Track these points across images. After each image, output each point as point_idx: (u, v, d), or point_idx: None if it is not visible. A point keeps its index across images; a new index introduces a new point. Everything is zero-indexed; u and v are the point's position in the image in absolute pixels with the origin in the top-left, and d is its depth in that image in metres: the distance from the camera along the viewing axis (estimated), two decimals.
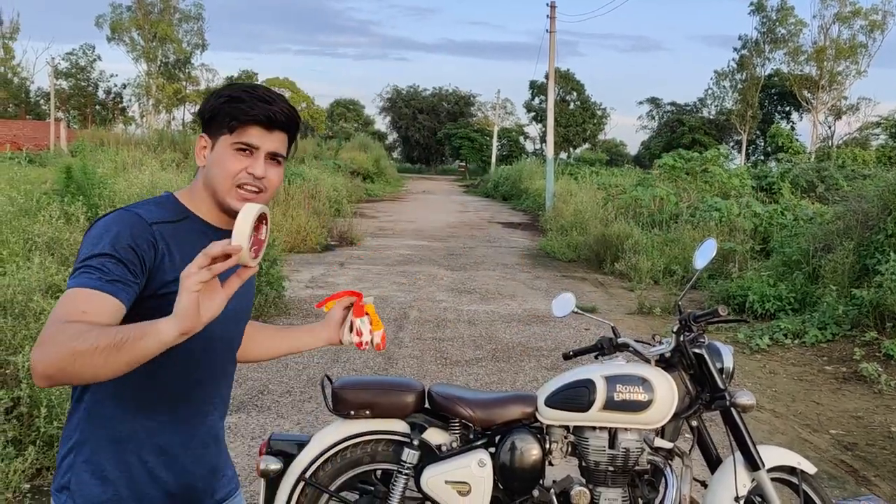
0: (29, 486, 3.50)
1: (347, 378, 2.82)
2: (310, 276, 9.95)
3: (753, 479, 2.62)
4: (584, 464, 2.65)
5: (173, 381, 1.53)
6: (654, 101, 59.73)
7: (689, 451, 2.71)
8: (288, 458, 2.64)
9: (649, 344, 2.80)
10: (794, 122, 51.16)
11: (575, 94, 59.26)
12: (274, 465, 2.61)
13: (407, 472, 2.61)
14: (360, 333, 1.86)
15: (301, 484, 2.62)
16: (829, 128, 45.65)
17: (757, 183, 15.89)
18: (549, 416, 2.64)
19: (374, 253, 12.61)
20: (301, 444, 2.67)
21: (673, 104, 58.36)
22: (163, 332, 1.22)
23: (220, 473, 1.70)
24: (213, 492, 1.66)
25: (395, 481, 2.62)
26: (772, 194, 15.25)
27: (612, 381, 2.58)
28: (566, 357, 2.92)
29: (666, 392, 2.58)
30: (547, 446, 2.65)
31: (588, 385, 2.60)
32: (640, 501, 2.67)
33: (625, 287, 10.20)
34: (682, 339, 2.67)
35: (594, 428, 2.62)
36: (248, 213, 1.27)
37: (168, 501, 1.55)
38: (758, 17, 45.65)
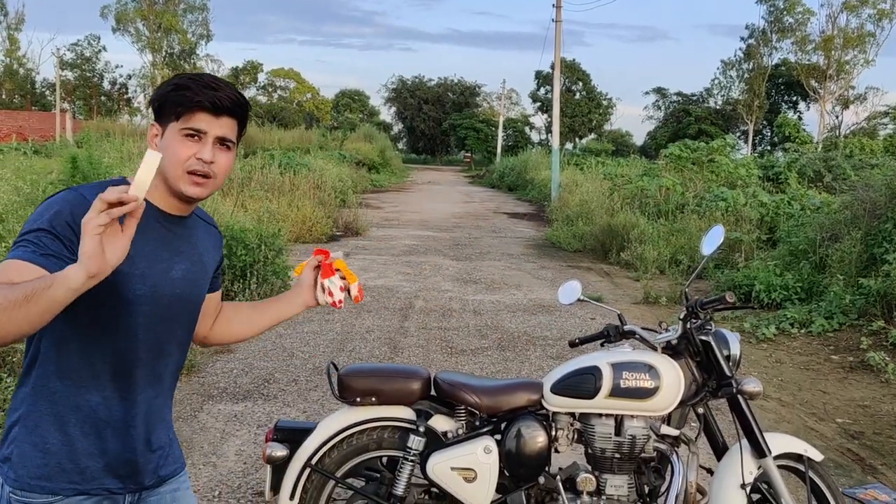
0: None
1: (353, 365, 2.82)
2: None
3: (760, 467, 2.62)
4: (590, 451, 2.65)
5: (114, 358, 1.56)
6: (660, 92, 59.45)
7: (696, 438, 2.70)
8: (294, 445, 2.65)
9: (656, 331, 2.79)
10: (801, 112, 50.92)
11: (581, 84, 59.05)
12: (280, 451, 2.62)
13: (413, 458, 2.61)
14: (330, 293, 1.88)
15: (307, 470, 2.62)
16: (837, 117, 45.38)
17: (763, 173, 15.82)
18: (555, 403, 2.64)
19: (379, 243, 12.61)
20: (307, 432, 2.68)
21: (679, 94, 58.09)
22: (70, 278, 1.24)
23: (164, 451, 1.71)
24: (155, 468, 1.68)
25: (401, 468, 2.62)
26: (778, 184, 15.18)
27: (618, 368, 2.57)
28: (572, 344, 2.91)
29: (672, 379, 2.57)
30: (553, 433, 2.64)
31: (594, 372, 2.59)
32: (646, 488, 2.66)
33: (630, 277, 10.18)
34: (688, 326, 2.66)
35: (600, 415, 2.62)
36: (149, 164, 1.29)
37: (108, 474, 1.59)
38: (765, 5, 45.37)
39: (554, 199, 18.90)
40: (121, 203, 1.24)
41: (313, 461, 2.62)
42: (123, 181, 1.54)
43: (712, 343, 2.63)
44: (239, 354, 5.82)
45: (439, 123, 64.42)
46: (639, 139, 61.58)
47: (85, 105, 55.26)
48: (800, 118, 43.61)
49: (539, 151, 35.69)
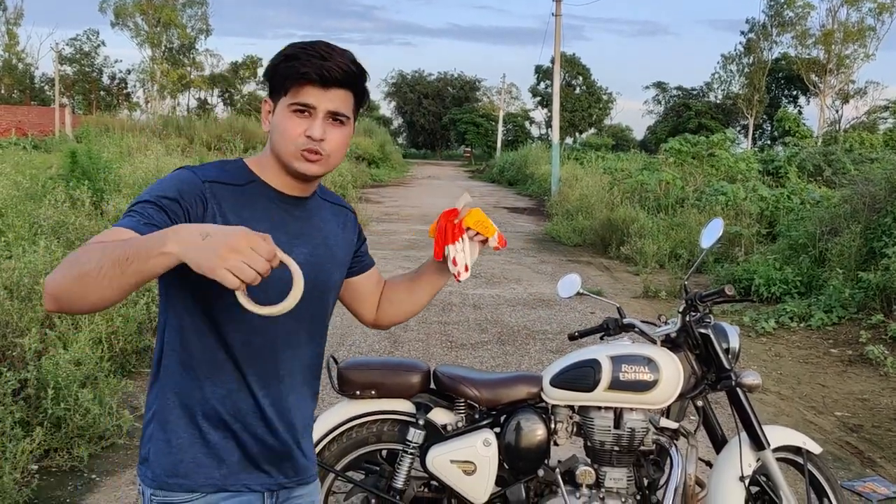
0: (37, 466, 3.53)
1: (353, 359, 2.83)
2: None
3: (758, 459, 2.63)
4: (589, 444, 2.66)
5: (234, 349, 1.48)
6: (660, 86, 59.41)
7: (695, 431, 2.71)
8: None
9: (655, 324, 2.79)
10: (801, 106, 50.86)
11: (581, 78, 58.99)
12: None
13: (412, 451, 2.62)
14: (454, 262, 1.63)
15: None
16: (837, 112, 45.37)
17: (763, 167, 15.81)
18: (555, 396, 2.64)
19: (379, 237, 12.61)
20: None
21: (679, 88, 58.06)
22: (157, 241, 1.14)
23: (298, 450, 1.59)
24: (292, 466, 1.58)
25: (401, 461, 2.63)
26: (778, 178, 15.17)
27: (617, 361, 2.58)
28: (571, 338, 2.92)
29: (672, 372, 2.57)
30: (552, 426, 2.65)
31: (593, 365, 2.59)
32: (645, 481, 2.67)
33: (630, 271, 10.18)
34: (687, 319, 2.66)
35: (599, 408, 2.62)
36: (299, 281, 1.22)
37: (245, 468, 1.51)
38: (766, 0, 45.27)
39: (554, 194, 18.89)
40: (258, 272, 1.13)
41: None
42: (240, 161, 1.55)
43: (711, 336, 2.63)
44: None
45: (439, 118, 64.38)
46: (639, 134, 61.56)
47: (84, 100, 55.24)
48: (800, 112, 43.54)
49: (539, 146, 35.66)
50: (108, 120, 24.18)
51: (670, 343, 2.70)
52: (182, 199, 1.38)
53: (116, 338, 4.62)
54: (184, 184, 1.41)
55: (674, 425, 2.64)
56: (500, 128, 53.65)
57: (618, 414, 2.62)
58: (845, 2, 41.73)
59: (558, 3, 21.14)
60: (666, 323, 2.77)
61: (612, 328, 2.79)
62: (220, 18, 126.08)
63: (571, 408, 2.67)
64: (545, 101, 54.96)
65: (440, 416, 2.68)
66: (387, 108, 72.64)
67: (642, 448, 2.63)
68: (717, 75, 52.93)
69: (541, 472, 2.63)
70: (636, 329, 2.76)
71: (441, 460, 2.58)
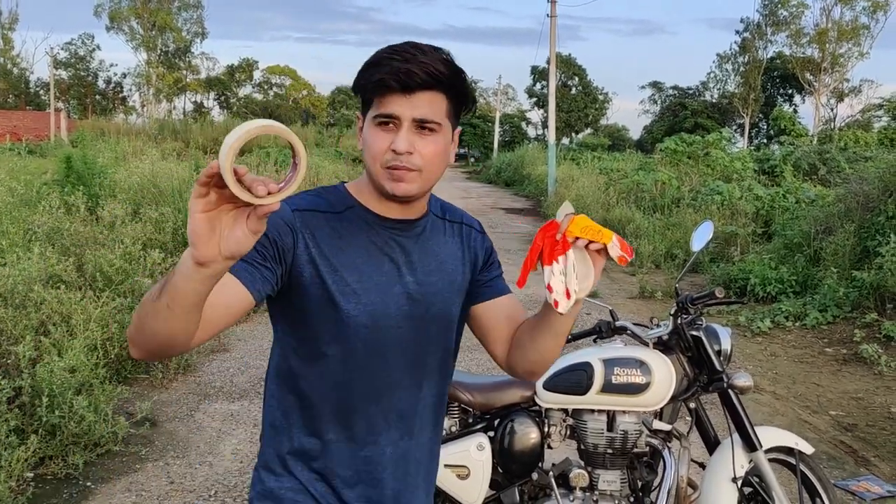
0: (32, 474, 3.53)
1: None
2: None
3: (751, 460, 2.64)
4: (582, 446, 2.66)
5: (332, 393, 1.35)
6: (656, 85, 59.49)
7: (688, 433, 2.72)
8: None
9: (647, 327, 2.80)
10: (796, 105, 50.98)
11: (577, 78, 59.02)
12: None
13: None
14: (549, 288, 1.24)
15: None
16: (832, 110, 45.47)
17: (759, 166, 15.84)
18: (548, 400, 2.65)
19: None
20: None
21: (675, 88, 58.12)
22: (181, 262, 1.03)
23: (408, 498, 1.44)
24: None
25: None
26: (774, 177, 15.20)
27: (609, 363, 2.59)
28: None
29: (664, 374, 2.58)
30: (546, 430, 2.65)
31: (586, 368, 2.60)
32: (639, 483, 2.68)
33: (626, 271, 10.19)
34: (679, 321, 2.67)
35: (592, 411, 2.63)
36: (236, 131, 0.98)
37: None
38: None
39: (550, 195, 18.91)
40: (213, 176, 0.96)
41: None
42: (341, 187, 1.41)
43: (703, 338, 2.64)
44: (235, 353, 5.83)
45: None
46: (635, 133, 61.61)
47: (80, 104, 55.20)
48: (795, 111, 43.61)
49: (535, 146, 35.69)
50: (103, 124, 24.18)
51: (662, 345, 2.71)
52: (275, 232, 1.27)
53: (112, 344, 4.63)
54: (274, 213, 1.29)
55: (667, 427, 2.65)
56: (497, 129, 53.67)
57: (611, 417, 2.62)
58: (839, 0, 41.82)
59: (553, 3, 21.17)
60: (658, 325, 2.78)
61: (604, 331, 2.80)
62: (216, 21, 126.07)
63: (565, 411, 2.68)
64: (541, 102, 55.02)
65: None
66: None
67: (635, 450, 2.64)
68: (712, 74, 53.02)
69: (534, 476, 2.64)
70: (628, 332, 2.77)
71: None
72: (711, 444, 2.76)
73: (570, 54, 58.35)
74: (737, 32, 49.61)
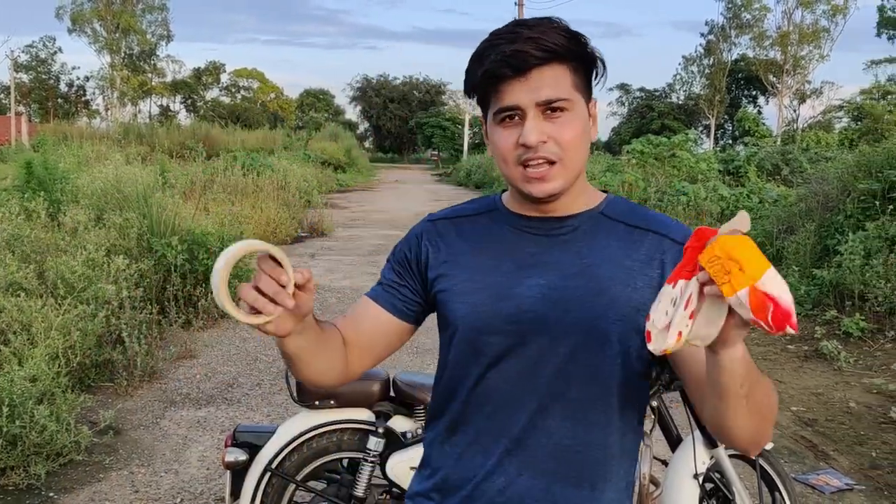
0: None
1: None
2: None
3: (712, 456, 2.68)
4: None
5: (452, 406, 1.26)
6: (623, 87, 60.08)
7: (650, 431, 2.76)
8: (254, 450, 2.65)
9: None
10: (760, 107, 51.91)
11: None
12: (239, 456, 2.62)
13: (373, 459, 2.63)
14: (647, 316, 0.96)
15: (267, 474, 2.63)
16: (794, 111, 46.39)
17: (724, 167, 16.11)
18: None
19: (345, 243, 12.57)
20: (267, 436, 2.68)
21: (642, 90, 58.77)
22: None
23: None
24: None
25: (361, 469, 2.64)
26: (738, 178, 15.47)
27: None
28: None
29: None
30: None
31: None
32: None
33: None
34: None
35: None
36: (222, 256, 1.00)
37: None
38: (723, 2, 46.12)
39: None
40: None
41: (273, 465, 2.62)
42: (494, 195, 1.33)
43: None
44: (202, 360, 5.77)
45: (405, 122, 64.38)
46: (603, 135, 62.14)
47: (41, 108, 54.19)
48: (759, 112, 44.40)
49: None
50: (66, 128, 23.76)
51: None
52: (405, 250, 1.31)
53: (74, 352, 4.55)
54: (411, 231, 1.33)
55: None
56: (467, 131, 53.79)
57: None
58: (800, 4, 42.67)
59: (520, 6, 21.31)
60: None
61: None
62: (181, 23, 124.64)
63: None
64: None
65: (400, 423, 2.69)
66: (352, 113, 72.62)
67: None
68: (678, 76, 53.82)
69: None
70: None
71: (401, 467, 2.59)
72: (674, 442, 2.80)
73: None
74: (702, 35, 50.39)
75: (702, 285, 0.90)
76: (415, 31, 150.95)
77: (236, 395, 5.02)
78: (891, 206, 6.99)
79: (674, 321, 0.92)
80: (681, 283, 0.92)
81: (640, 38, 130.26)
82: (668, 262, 1.16)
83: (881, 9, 41.76)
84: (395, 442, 2.66)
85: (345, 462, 2.77)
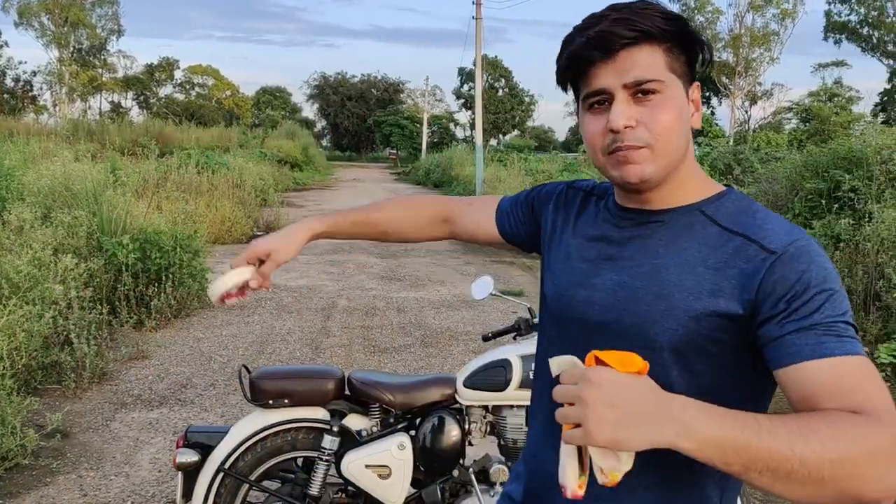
0: None
1: (265, 368, 2.80)
2: None
3: None
4: (502, 442, 2.70)
5: (536, 388, 1.27)
6: None
7: None
8: (206, 450, 2.61)
9: None
10: (713, 107, 52.85)
11: (503, 80, 59.76)
12: (191, 457, 2.58)
13: (328, 458, 2.61)
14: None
15: (220, 475, 2.59)
16: (746, 112, 47.44)
17: None
18: (468, 397, 2.68)
19: None
20: (219, 436, 2.64)
21: None
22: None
23: None
24: None
25: (316, 468, 2.62)
26: None
27: (527, 360, 2.64)
28: (485, 339, 2.96)
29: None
30: (466, 427, 2.69)
31: (505, 365, 2.64)
32: None
33: None
34: None
35: (512, 406, 2.67)
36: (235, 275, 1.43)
37: None
38: (678, 4, 46.92)
39: (478, 195, 19.08)
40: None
41: (226, 465, 2.59)
42: None
43: None
44: (154, 360, 5.66)
45: (363, 120, 64.10)
46: (561, 135, 62.88)
47: None
48: (713, 113, 45.26)
49: (464, 148, 35.92)
50: (11, 124, 23.02)
51: None
52: (534, 196, 1.40)
53: (19, 354, 4.42)
54: (547, 185, 1.41)
55: None
56: (425, 130, 53.79)
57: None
58: (751, 8, 43.66)
59: (478, 6, 21.37)
60: None
61: (523, 328, 2.85)
62: (134, 18, 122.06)
63: (485, 408, 2.72)
64: (469, 104, 55.43)
65: (355, 421, 2.68)
66: (309, 111, 72.05)
67: None
68: None
69: (456, 473, 2.67)
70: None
71: (356, 465, 2.58)
72: None
73: (496, 56, 59.05)
74: None
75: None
76: (373, 29, 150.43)
77: (190, 395, 4.93)
78: (836, 205, 7.20)
79: (565, 472, 0.91)
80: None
81: None
82: (750, 275, 1.00)
83: (828, 13, 43.05)
84: (350, 440, 2.64)
85: (299, 461, 2.75)
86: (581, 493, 0.90)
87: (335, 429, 2.62)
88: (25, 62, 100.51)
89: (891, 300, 5.77)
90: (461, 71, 57.68)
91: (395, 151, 58.31)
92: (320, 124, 71.73)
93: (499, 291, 3.01)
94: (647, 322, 1.06)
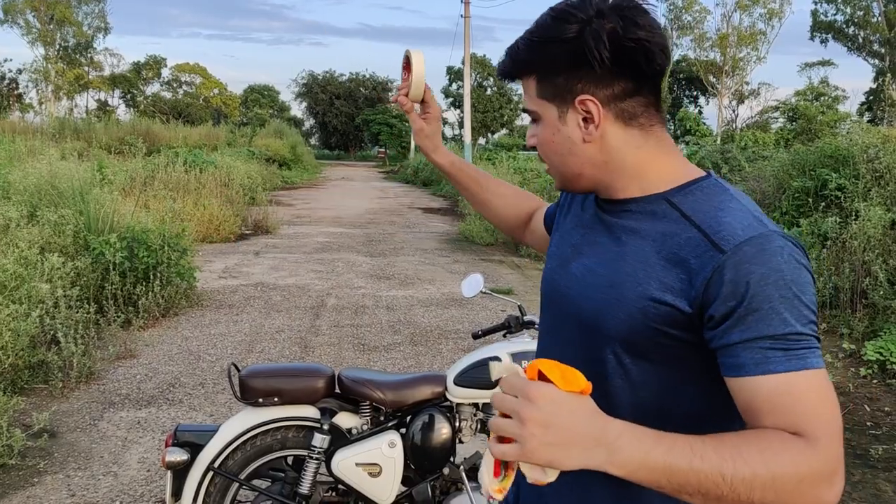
0: None
1: (255, 366, 2.79)
2: (223, 266, 9.72)
3: None
4: None
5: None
6: None
7: None
8: (195, 449, 2.60)
9: None
10: (701, 107, 53.17)
11: (492, 79, 59.72)
12: (180, 456, 2.56)
13: (318, 457, 2.60)
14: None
15: (210, 474, 2.58)
16: (733, 111, 47.65)
17: None
18: (458, 395, 2.68)
19: (290, 241, 12.42)
20: (209, 435, 2.63)
21: None
22: None
23: None
24: None
25: (306, 466, 2.61)
26: None
27: (517, 357, 2.64)
28: (475, 336, 2.96)
29: None
30: (457, 424, 2.69)
31: (494, 362, 2.64)
32: None
33: (540, 269, 10.38)
34: None
35: None
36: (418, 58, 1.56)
37: None
38: (665, 3, 47.10)
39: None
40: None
41: (216, 464, 2.58)
42: None
43: None
44: (142, 359, 5.63)
45: (352, 119, 63.92)
46: None
47: None
48: (700, 112, 45.54)
49: (453, 146, 35.92)
50: None
51: None
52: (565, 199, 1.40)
53: (6, 353, 4.39)
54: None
55: None
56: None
57: None
58: (738, 7, 43.88)
59: (466, 4, 21.39)
60: None
61: (513, 326, 2.85)
62: (121, 16, 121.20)
63: (475, 405, 2.72)
64: (457, 102, 55.39)
65: (345, 419, 2.68)
66: (298, 109, 71.86)
67: None
68: None
69: (446, 471, 2.67)
70: (536, 326, 2.83)
71: (346, 464, 2.57)
72: None
73: (485, 55, 58.98)
74: None
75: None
76: (361, 27, 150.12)
77: (178, 394, 4.91)
78: (822, 204, 7.26)
79: (483, 476, 0.91)
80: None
81: None
82: (697, 271, 0.97)
83: (815, 13, 43.33)
84: (341, 438, 2.64)
85: (289, 460, 2.73)
86: (500, 497, 0.90)
87: (325, 427, 2.61)
88: (11, 60, 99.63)
89: (877, 298, 5.82)
90: (450, 70, 57.66)
91: (383, 150, 58.20)
92: (308, 123, 71.49)
93: (489, 289, 3.02)
94: (602, 310, 1.06)
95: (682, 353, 1.01)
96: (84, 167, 9.82)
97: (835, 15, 42.73)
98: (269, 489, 2.69)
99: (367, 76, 68.54)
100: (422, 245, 12.60)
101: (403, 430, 2.67)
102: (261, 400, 2.62)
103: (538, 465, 0.86)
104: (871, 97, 43.65)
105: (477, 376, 2.66)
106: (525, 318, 2.85)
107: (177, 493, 2.59)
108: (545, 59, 1.08)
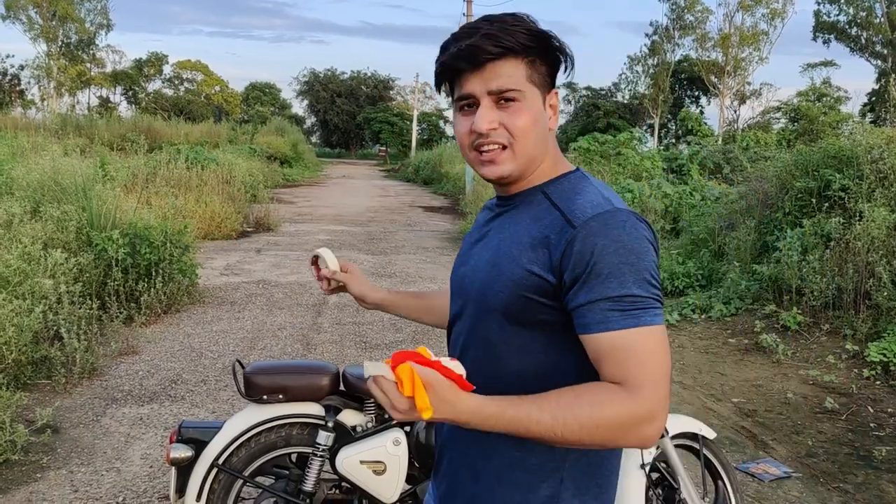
0: None
1: (259, 363, 2.78)
2: (225, 264, 9.72)
3: (658, 447, 2.73)
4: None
5: None
6: (570, 86, 60.74)
7: None
8: (200, 446, 2.59)
9: None
10: (702, 107, 53.09)
11: None
12: (184, 452, 2.56)
13: (322, 454, 2.60)
14: None
15: (214, 470, 2.57)
16: (735, 112, 47.62)
17: (668, 165, 16.45)
18: None
19: (291, 239, 12.42)
20: (213, 431, 2.63)
21: (588, 89, 59.51)
22: None
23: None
24: None
25: (311, 464, 2.61)
26: (682, 175, 15.82)
27: None
28: None
29: None
30: None
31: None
32: None
33: None
34: None
35: None
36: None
37: None
38: (667, 3, 47.06)
39: (468, 193, 19.06)
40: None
41: (220, 461, 2.57)
42: None
43: None
44: (145, 356, 5.62)
45: (353, 117, 63.84)
46: None
47: None
48: (702, 112, 45.47)
49: (453, 145, 35.87)
50: None
51: None
52: None
53: (9, 348, 4.38)
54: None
55: None
56: (415, 127, 53.68)
57: None
58: (740, 7, 43.83)
59: (469, 2, 21.34)
60: None
61: None
62: (123, 13, 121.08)
63: None
64: None
65: (350, 417, 2.67)
66: (299, 107, 71.70)
67: None
68: (624, 76, 54.73)
69: None
70: None
71: (351, 461, 2.57)
72: None
73: None
74: (646, 35, 51.28)
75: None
76: (363, 25, 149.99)
77: (180, 391, 4.91)
78: (826, 204, 7.24)
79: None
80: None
81: (587, 38, 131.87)
82: (556, 245, 1.14)
83: (817, 13, 43.28)
84: (345, 436, 2.63)
85: (293, 457, 2.73)
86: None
87: (330, 424, 2.61)
88: (13, 56, 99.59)
89: (881, 299, 5.81)
90: None
91: (384, 148, 58.15)
92: (310, 121, 71.43)
93: None
94: (486, 284, 1.22)
95: (554, 320, 1.16)
96: (86, 163, 9.81)
97: (837, 15, 42.68)
98: (273, 486, 2.69)
99: (369, 74, 68.49)
100: (423, 243, 12.60)
101: (408, 428, 2.67)
102: (265, 397, 2.62)
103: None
104: (874, 98, 43.60)
105: None
106: None
107: (181, 489, 2.59)
108: (539, 44, 1.20)
